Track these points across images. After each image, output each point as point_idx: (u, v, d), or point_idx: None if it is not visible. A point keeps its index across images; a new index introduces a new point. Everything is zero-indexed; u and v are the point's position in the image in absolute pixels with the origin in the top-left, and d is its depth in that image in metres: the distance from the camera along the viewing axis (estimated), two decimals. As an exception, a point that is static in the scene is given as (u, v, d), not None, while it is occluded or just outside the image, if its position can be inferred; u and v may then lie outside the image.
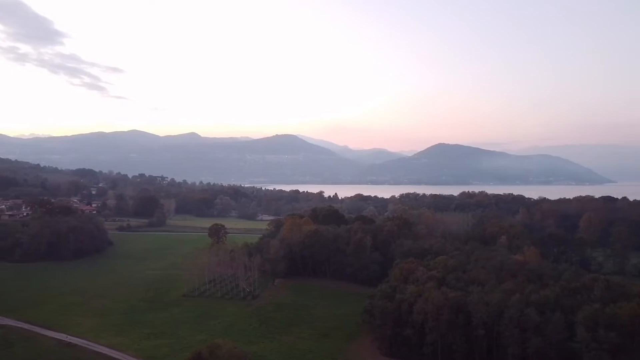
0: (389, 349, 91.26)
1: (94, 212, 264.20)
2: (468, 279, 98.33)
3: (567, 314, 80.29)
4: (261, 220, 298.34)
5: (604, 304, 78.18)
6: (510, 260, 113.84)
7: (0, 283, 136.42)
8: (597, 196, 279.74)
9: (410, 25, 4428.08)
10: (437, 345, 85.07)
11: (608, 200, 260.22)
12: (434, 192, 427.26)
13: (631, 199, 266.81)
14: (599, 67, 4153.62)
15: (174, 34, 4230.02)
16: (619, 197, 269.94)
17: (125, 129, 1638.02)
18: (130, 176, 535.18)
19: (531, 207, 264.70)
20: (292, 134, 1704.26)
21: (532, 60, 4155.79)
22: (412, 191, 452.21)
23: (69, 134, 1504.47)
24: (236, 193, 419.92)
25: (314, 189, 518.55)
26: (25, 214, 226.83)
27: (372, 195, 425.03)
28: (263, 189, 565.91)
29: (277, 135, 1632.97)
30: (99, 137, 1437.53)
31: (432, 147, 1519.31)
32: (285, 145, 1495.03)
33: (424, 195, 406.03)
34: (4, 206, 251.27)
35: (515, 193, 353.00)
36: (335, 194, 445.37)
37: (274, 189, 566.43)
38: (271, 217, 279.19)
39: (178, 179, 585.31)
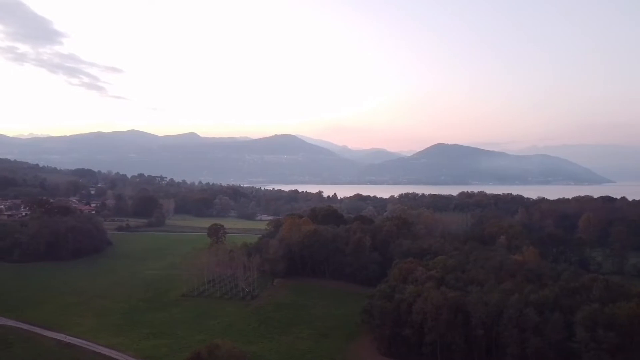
0: (388, 349, 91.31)
1: (93, 212, 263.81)
2: (467, 279, 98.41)
3: (566, 314, 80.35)
4: (260, 220, 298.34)
5: (603, 304, 78.24)
6: (509, 260, 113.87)
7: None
8: (596, 196, 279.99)
9: (409, 25, 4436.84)
10: (436, 345, 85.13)
11: (607, 200, 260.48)
12: (433, 192, 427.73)
13: (630, 199, 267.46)
14: (598, 67, 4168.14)
15: (173, 34, 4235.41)
16: (618, 197, 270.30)
17: (124, 129, 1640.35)
18: (129, 176, 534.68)
19: (530, 207, 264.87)
20: (291, 133, 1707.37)
21: (531, 60, 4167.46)
22: (411, 191, 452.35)
23: (68, 133, 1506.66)
24: (235, 193, 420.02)
25: (313, 189, 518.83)
26: (24, 214, 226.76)
27: (371, 195, 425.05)
28: (262, 189, 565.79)
29: (276, 135, 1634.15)
30: (98, 137, 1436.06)
31: (431, 147, 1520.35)
32: (285, 145, 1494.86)
33: (423, 195, 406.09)
34: (2, 206, 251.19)
35: (514, 193, 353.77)
36: (335, 194, 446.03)
37: (273, 189, 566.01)
38: (270, 217, 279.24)
39: (177, 179, 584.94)
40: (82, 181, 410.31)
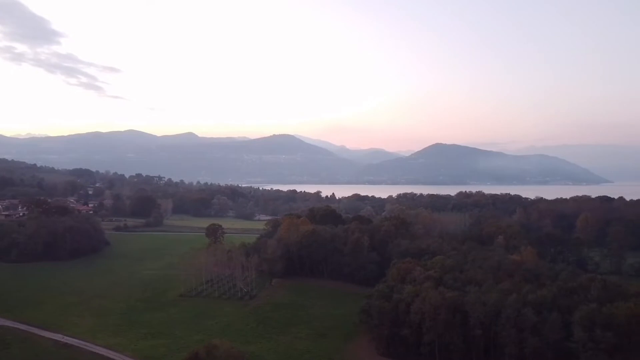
0: (386, 349, 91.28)
1: (91, 212, 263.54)
2: (465, 278, 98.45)
3: (564, 313, 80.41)
4: (258, 220, 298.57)
5: (601, 304, 78.28)
6: (507, 260, 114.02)
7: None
8: (593, 196, 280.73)
9: (409, 25, 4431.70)
10: (435, 345, 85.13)
11: (605, 200, 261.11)
12: (431, 192, 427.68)
13: (628, 198, 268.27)
14: (597, 68, 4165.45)
15: (172, 34, 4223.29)
16: (616, 197, 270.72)
17: (122, 129, 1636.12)
18: (127, 176, 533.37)
19: (528, 207, 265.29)
20: (289, 133, 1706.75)
21: (530, 60, 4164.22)
22: (409, 191, 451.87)
23: (66, 133, 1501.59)
24: (233, 193, 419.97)
25: (311, 188, 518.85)
26: (21, 214, 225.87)
27: (370, 195, 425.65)
28: (260, 188, 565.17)
29: (274, 135, 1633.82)
30: (96, 137, 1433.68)
31: (430, 147, 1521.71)
32: (283, 145, 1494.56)
33: (421, 195, 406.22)
34: (0, 206, 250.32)
35: (512, 193, 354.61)
36: (333, 193, 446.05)
37: (272, 189, 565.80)
38: (268, 217, 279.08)
39: (175, 179, 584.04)
40: (79, 181, 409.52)
